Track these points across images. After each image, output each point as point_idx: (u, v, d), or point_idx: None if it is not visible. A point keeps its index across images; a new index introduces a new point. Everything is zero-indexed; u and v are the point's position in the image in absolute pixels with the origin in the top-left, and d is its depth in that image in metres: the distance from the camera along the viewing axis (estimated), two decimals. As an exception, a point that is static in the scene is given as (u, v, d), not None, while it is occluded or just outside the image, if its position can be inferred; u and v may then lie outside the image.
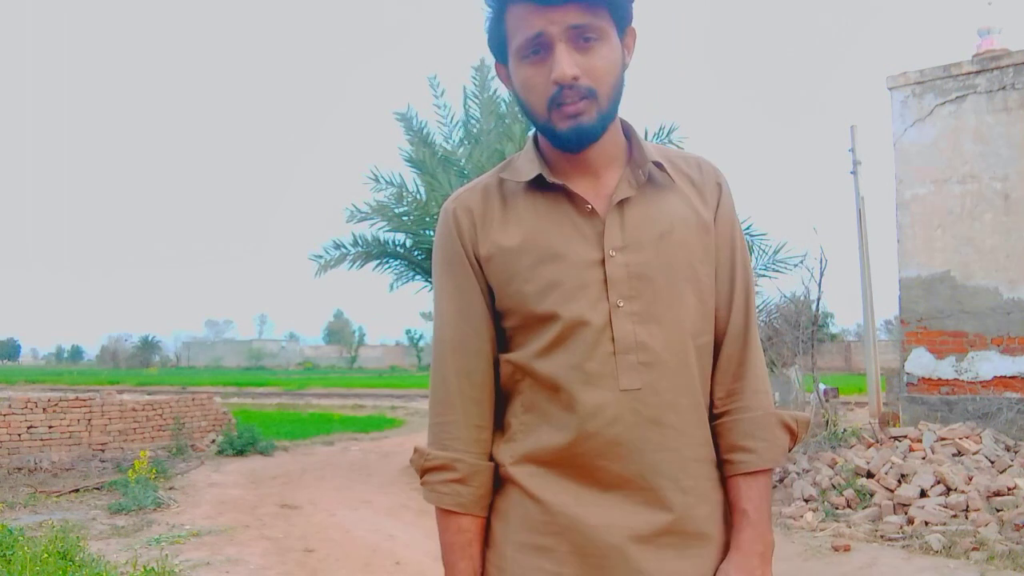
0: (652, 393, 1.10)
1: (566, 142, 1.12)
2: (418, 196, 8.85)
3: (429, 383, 1.23)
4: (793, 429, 1.20)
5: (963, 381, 8.12)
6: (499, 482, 1.17)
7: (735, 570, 1.11)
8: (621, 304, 1.11)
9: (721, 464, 1.18)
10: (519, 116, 8.67)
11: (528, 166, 1.17)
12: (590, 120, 1.09)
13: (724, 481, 1.18)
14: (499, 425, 1.19)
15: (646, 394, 1.10)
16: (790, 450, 1.22)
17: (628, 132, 1.19)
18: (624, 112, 1.17)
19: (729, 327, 1.21)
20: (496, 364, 1.19)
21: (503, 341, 1.20)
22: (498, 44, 1.16)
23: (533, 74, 1.10)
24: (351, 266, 9.27)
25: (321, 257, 9.32)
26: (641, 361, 1.10)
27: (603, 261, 1.12)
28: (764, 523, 1.15)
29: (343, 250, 9.23)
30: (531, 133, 1.25)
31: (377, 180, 8.93)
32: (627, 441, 1.09)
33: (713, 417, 1.19)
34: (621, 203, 1.14)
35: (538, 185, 1.16)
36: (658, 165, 1.17)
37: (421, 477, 1.19)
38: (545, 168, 1.15)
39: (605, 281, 1.11)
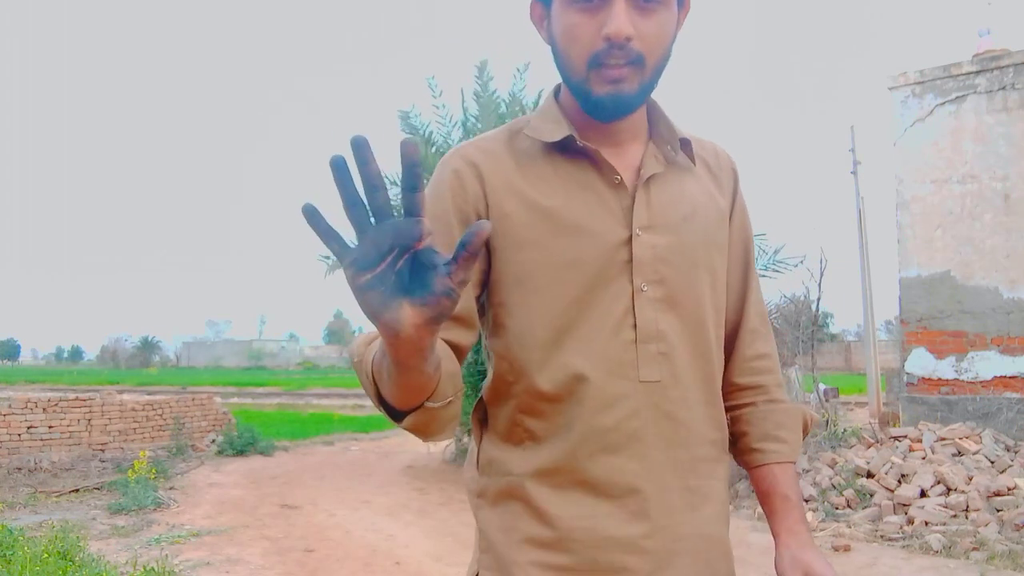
0: (671, 386, 1.02)
1: (600, 109, 1.00)
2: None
3: None
4: (808, 426, 1.18)
5: (963, 381, 8.12)
6: (505, 492, 1.05)
7: (800, 547, 1.07)
8: (645, 288, 1.01)
9: (743, 452, 1.15)
10: (519, 114, 8.72)
11: (553, 126, 1.05)
12: (631, 89, 0.98)
13: (748, 472, 1.15)
14: (497, 424, 1.07)
15: (665, 387, 1.01)
16: None
17: (650, 104, 1.10)
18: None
19: (749, 319, 1.17)
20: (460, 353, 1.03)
21: (489, 321, 1.06)
22: None
23: (582, 22, 0.97)
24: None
25: (329, 258, 9.43)
26: (661, 351, 1.01)
27: (630, 240, 1.01)
28: (803, 508, 1.12)
29: (349, 249, 9.40)
30: (551, 89, 1.12)
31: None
32: (644, 437, 1.00)
33: (734, 407, 1.15)
34: (647, 179, 1.05)
35: (560, 148, 1.04)
36: (685, 143, 1.09)
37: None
38: (574, 130, 1.03)
39: (630, 262, 1.01)
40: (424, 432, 0.91)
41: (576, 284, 1.00)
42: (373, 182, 0.62)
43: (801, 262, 8.68)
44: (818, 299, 9.08)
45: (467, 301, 1.00)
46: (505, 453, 1.05)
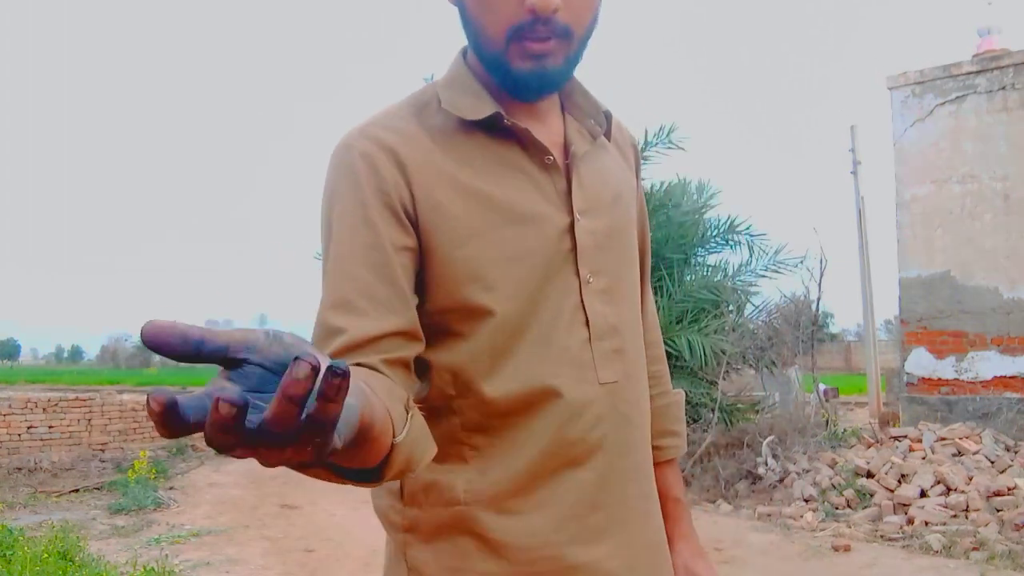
0: (626, 386, 0.94)
1: (522, 87, 0.88)
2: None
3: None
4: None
5: (963, 381, 8.12)
6: (448, 525, 0.91)
7: (692, 556, 1.08)
8: (591, 280, 0.92)
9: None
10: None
11: (472, 100, 0.91)
12: (555, 64, 0.86)
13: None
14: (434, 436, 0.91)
15: (622, 388, 0.93)
16: None
17: None
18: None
19: (649, 304, 1.11)
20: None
21: (426, 330, 0.89)
22: None
23: None
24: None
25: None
26: (615, 348, 0.93)
27: (572, 226, 0.91)
28: (689, 508, 1.12)
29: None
30: (458, 52, 0.97)
31: None
32: (607, 445, 0.91)
33: None
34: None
35: (482, 125, 0.91)
36: (608, 116, 0.98)
37: None
38: (498, 105, 0.90)
39: (574, 250, 0.91)
40: (409, 467, 0.71)
41: (529, 279, 0.88)
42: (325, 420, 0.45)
43: (801, 262, 8.67)
44: (818, 299, 9.08)
45: (410, 312, 0.85)
46: (446, 476, 0.90)
